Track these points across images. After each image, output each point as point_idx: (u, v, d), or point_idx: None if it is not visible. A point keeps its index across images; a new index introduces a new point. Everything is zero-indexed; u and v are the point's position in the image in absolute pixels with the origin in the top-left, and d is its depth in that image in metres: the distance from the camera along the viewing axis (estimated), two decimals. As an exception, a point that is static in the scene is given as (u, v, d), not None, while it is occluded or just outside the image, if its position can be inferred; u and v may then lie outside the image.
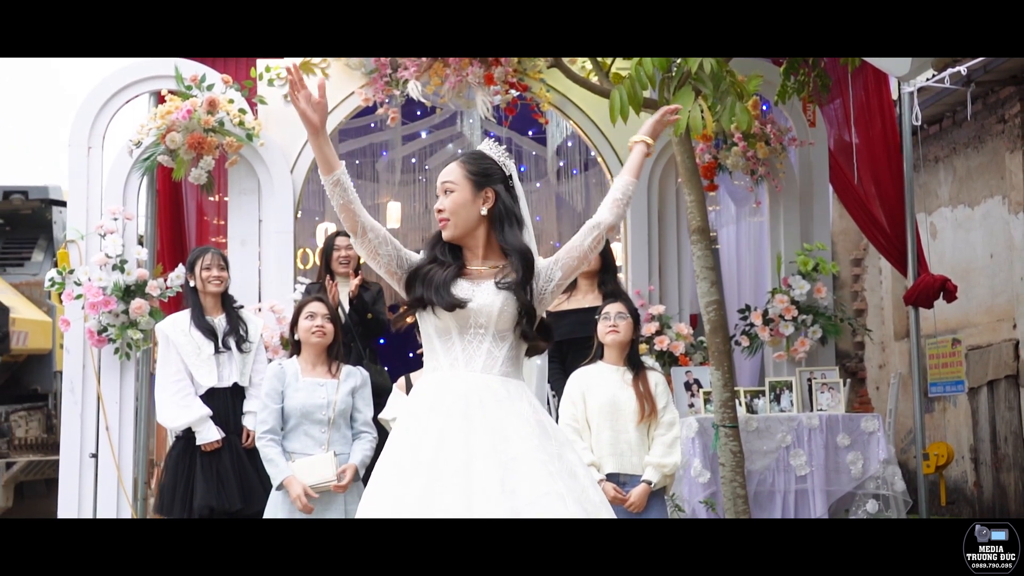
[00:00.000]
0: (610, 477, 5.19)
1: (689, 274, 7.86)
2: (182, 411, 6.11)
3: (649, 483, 5.18)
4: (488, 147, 3.73)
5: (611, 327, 5.35)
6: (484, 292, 3.57)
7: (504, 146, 3.76)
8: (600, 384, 5.29)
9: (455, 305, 3.53)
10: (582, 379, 5.33)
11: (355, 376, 5.70)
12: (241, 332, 6.32)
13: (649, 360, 7.24)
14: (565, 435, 3.61)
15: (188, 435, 6.16)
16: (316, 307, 5.67)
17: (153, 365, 7.68)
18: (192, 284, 6.35)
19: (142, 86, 7.69)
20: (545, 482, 3.35)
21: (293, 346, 5.75)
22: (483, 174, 3.66)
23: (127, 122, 7.73)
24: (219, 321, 6.31)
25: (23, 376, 9.85)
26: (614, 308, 5.43)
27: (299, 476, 5.43)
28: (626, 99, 5.96)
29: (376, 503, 3.46)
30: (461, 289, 3.58)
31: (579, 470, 3.49)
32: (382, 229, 3.66)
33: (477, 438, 3.41)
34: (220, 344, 6.24)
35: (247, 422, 6.21)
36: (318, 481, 5.43)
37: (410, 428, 3.54)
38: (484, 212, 3.64)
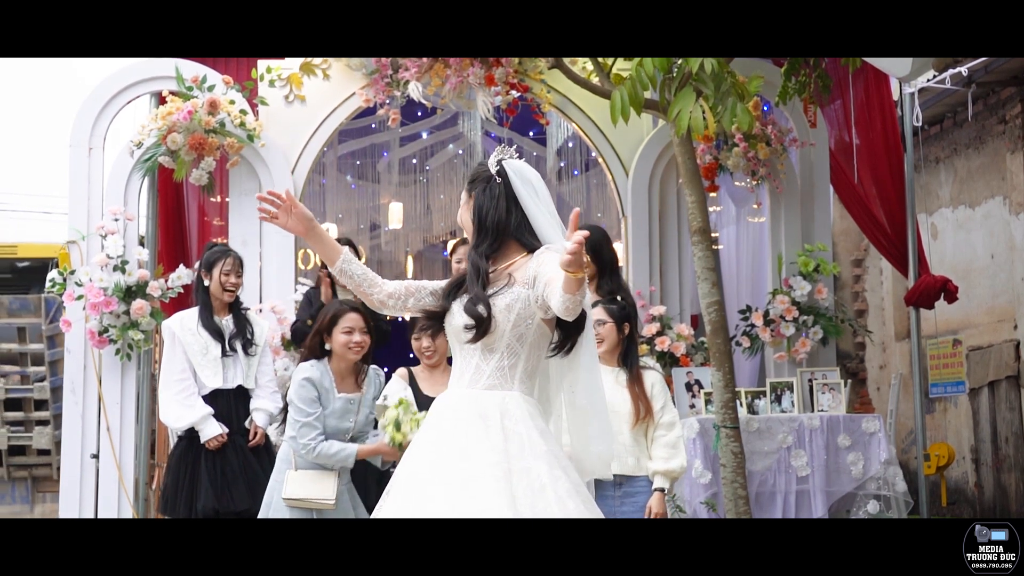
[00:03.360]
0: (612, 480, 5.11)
1: (690, 275, 7.86)
2: (185, 411, 6.11)
3: (663, 490, 5.11)
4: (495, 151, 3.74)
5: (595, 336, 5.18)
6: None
7: (510, 147, 3.74)
8: None
9: (442, 309, 3.65)
10: None
11: (373, 385, 5.59)
12: (248, 335, 6.31)
13: (650, 360, 7.23)
14: (548, 446, 3.51)
15: (191, 435, 6.15)
16: (354, 320, 5.37)
17: (154, 365, 7.69)
18: (206, 283, 6.32)
19: (143, 87, 7.70)
20: (495, 502, 3.35)
21: (321, 352, 5.44)
22: (470, 180, 3.74)
23: (128, 123, 7.74)
24: (226, 323, 6.30)
25: None
26: (594, 314, 5.14)
27: (298, 487, 5.39)
28: (627, 100, 5.97)
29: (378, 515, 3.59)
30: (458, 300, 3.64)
31: (550, 483, 3.42)
32: (401, 286, 3.72)
33: (444, 458, 3.47)
34: (227, 347, 6.23)
35: (257, 418, 6.20)
36: (316, 497, 5.34)
37: (409, 448, 3.68)
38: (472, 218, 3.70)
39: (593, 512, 3.50)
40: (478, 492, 3.38)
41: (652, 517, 5.02)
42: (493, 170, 3.66)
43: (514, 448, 3.46)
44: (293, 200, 3.65)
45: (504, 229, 3.62)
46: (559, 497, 3.41)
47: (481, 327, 3.51)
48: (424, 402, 5.31)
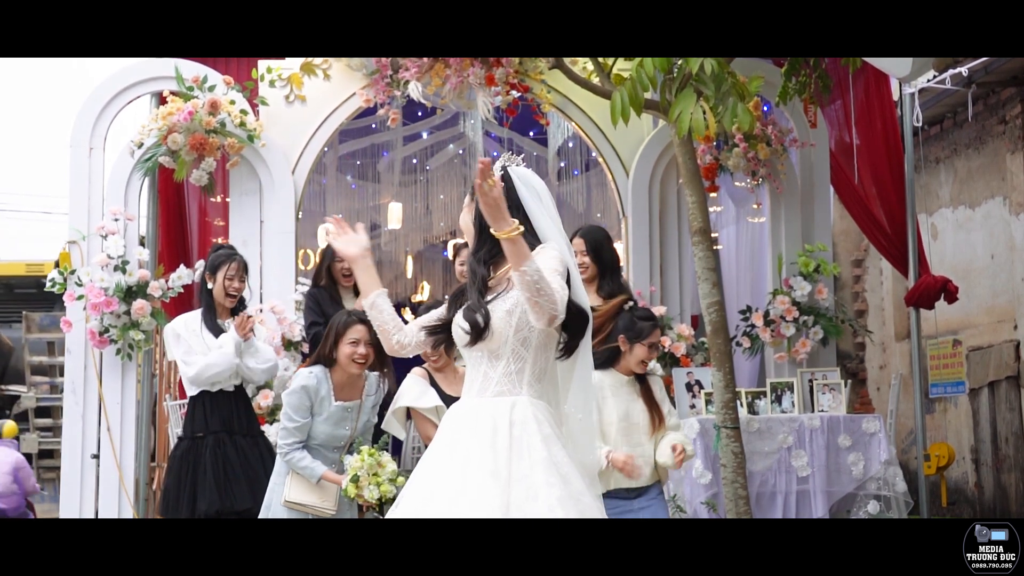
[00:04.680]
0: (626, 492, 5.08)
1: (690, 275, 7.86)
2: (209, 361, 6.07)
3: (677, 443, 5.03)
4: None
5: (649, 360, 5.15)
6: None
7: (510, 151, 3.73)
8: (615, 396, 5.08)
9: (447, 320, 3.67)
10: (598, 386, 4.97)
11: (374, 393, 5.63)
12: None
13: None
14: (548, 452, 3.48)
15: (192, 435, 6.14)
16: (360, 332, 5.42)
17: (154, 366, 7.70)
18: (209, 286, 6.28)
19: (144, 87, 7.70)
20: (488, 508, 3.37)
21: (328, 361, 5.51)
22: (473, 184, 3.69)
23: (129, 123, 7.74)
24: (228, 325, 6.29)
25: None
26: (659, 339, 5.21)
27: (300, 492, 5.41)
28: (627, 100, 5.96)
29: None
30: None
31: (543, 490, 3.41)
32: (413, 328, 3.76)
33: (449, 467, 3.51)
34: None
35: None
36: (317, 504, 5.39)
37: (423, 457, 3.72)
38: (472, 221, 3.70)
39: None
40: (475, 498, 3.40)
41: (678, 453, 4.97)
42: (497, 175, 3.64)
43: (515, 455, 3.46)
44: (361, 231, 3.72)
45: (482, 237, 3.61)
46: (550, 505, 3.39)
47: (475, 332, 3.52)
48: (447, 401, 5.34)
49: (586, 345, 3.63)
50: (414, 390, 5.59)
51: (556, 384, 3.68)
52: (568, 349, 3.61)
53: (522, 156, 3.77)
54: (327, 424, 5.43)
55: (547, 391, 3.62)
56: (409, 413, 6.10)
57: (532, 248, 3.58)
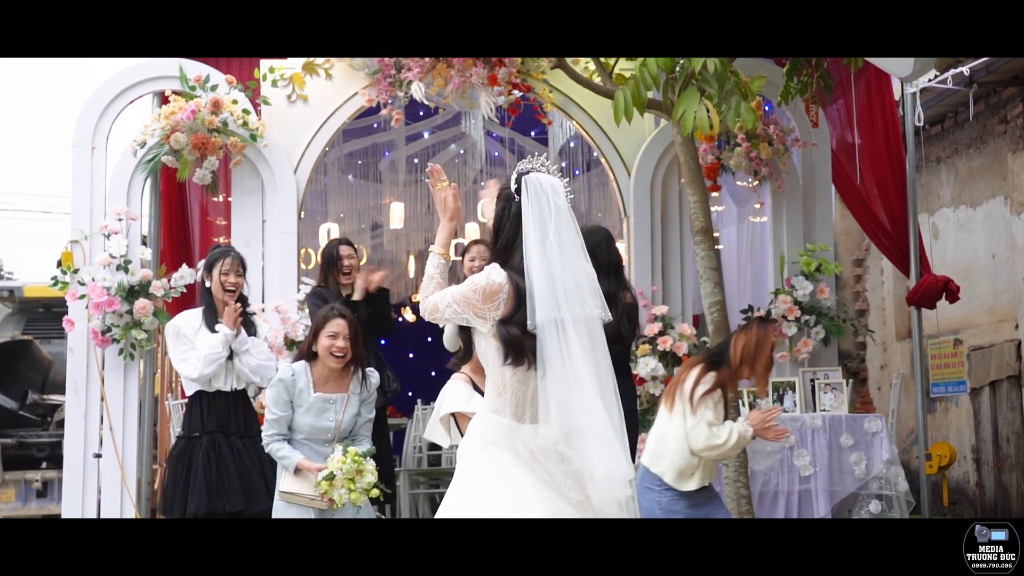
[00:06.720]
0: (701, 491, 5.19)
1: (692, 274, 7.87)
2: (201, 360, 6.08)
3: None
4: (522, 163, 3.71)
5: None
6: None
7: (534, 154, 3.71)
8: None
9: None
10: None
11: (362, 387, 5.59)
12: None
13: (652, 362, 7.26)
14: (471, 455, 3.59)
15: (189, 435, 6.15)
16: (339, 326, 5.47)
17: (156, 365, 7.69)
18: (207, 285, 6.29)
19: (146, 86, 7.70)
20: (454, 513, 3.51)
21: (309, 355, 5.54)
22: (496, 198, 3.71)
23: (131, 122, 7.75)
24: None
25: None
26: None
27: (292, 482, 5.40)
28: (630, 100, 5.97)
29: None
30: None
31: (512, 495, 3.46)
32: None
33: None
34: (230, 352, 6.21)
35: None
36: (307, 492, 5.35)
37: None
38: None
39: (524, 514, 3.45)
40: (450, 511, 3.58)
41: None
42: (512, 187, 3.63)
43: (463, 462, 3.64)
44: (454, 195, 3.85)
45: (510, 250, 3.63)
46: (513, 504, 3.44)
47: (456, 354, 3.70)
48: None
49: (551, 358, 3.48)
50: (460, 395, 5.52)
51: (528, 398, 3.60)
52: (503, 357, 3.56)
53: (543, 155, 3.75)
54: (308, 415, 5.45)
55: (512, 405, 3.58)
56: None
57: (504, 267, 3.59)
